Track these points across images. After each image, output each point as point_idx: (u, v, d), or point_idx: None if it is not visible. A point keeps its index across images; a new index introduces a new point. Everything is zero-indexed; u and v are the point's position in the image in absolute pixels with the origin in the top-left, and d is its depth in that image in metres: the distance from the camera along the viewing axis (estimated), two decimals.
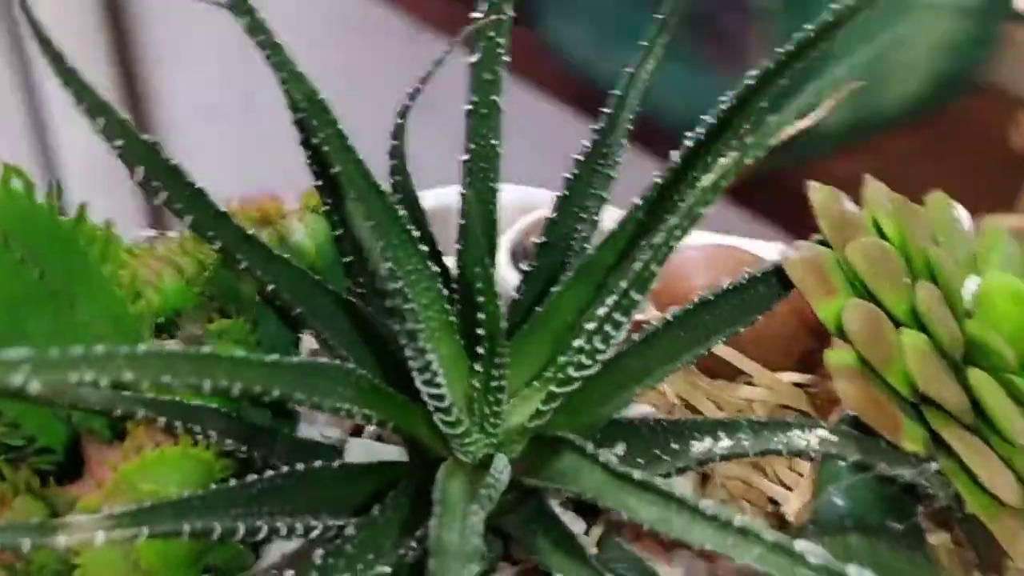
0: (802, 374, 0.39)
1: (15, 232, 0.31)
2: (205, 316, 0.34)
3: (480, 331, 0.32)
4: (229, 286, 0.35)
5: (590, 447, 0.31)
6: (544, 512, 0.33)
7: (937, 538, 0.35)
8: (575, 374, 0.31)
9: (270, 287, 0.33)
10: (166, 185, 0.31)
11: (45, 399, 0.30)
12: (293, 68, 0.31)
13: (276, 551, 0.34)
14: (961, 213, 0.41)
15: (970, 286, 0.36)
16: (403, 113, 0.34)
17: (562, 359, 0.32)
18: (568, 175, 0.37)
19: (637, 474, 0.29)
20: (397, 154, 0.35)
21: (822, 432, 0.33)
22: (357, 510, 0.32)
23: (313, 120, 0.31)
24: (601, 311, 0.31)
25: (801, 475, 0.37)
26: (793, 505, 0.37)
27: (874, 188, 0.39)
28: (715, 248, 0.42)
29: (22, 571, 0.30)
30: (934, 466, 0.33)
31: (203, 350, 0.26)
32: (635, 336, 0.36)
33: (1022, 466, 0.33)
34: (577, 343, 0.31)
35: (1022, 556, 0.33)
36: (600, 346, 0.31)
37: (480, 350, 0.32)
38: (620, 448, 0.35)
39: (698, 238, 0.44)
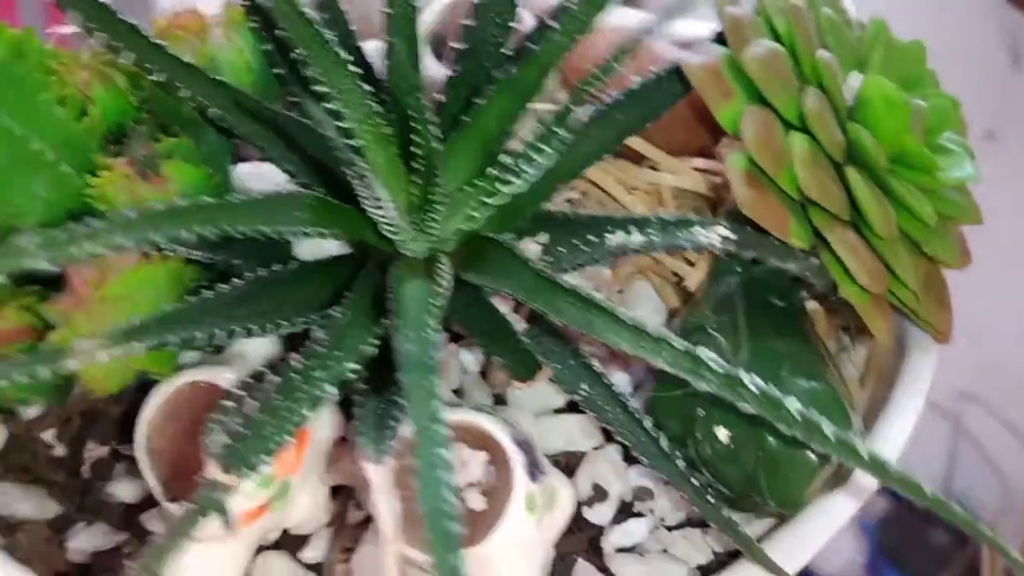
0: (704, 159, 0.44)
1: None
2: (150, 135, 0.36)
3: (415, 145, 0.35)
4: (167, 103, 0.36)
5: (519, 249, 0.35)
6: (480, 299, 0.38)
7: (814, 308, 0.41)
8: (503, 188, 0.35)
9: (211, 110, 0.35)
10: (103, 27, 0.32)
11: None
12: None
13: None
14: (848, 3, 0.44)
15: (852, 84, 0.40)
16: None
17: (492, 172, 0.36)
18: None
19: (563, 280, 0.34)
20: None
21: (722, 230, 0.38)
22: (318, 306, 0.36)
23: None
24: (523, 133, 0.34)
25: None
26: (694, 279, 0.42)
27: None
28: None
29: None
30: (815, 261, 0.38)
31: (179, 203, 0.29)
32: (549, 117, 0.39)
33: (890, 256, 0.39)
34: (505, 159, 0.35)
35: (882, 333, 0.39)
36: (525, 168, 0.34)
37: (415, 163, 0.35)
38: (543, 237, 0.40)
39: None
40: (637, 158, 0.44)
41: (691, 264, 0.43)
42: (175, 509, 0.35)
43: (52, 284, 0.34)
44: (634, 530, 0.40)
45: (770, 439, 0.35)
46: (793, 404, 0.31)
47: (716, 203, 0.43)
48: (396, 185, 0.36)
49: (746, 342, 0.38)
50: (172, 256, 0.35)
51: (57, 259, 0.25)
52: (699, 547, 0.40)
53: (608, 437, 0.41)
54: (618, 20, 0.46)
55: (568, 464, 0.41)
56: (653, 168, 0.43)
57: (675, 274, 0.43)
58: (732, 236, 0.38)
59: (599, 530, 0.40)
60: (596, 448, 0.41)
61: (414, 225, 0.36)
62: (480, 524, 0.35)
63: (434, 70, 0.44)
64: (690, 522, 0.41)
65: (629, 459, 0.41)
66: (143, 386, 0.36)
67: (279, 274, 0.36)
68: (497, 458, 0.37)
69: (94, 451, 0.40)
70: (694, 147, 0.43)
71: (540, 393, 0.41)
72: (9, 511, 0.39)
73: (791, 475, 0.35)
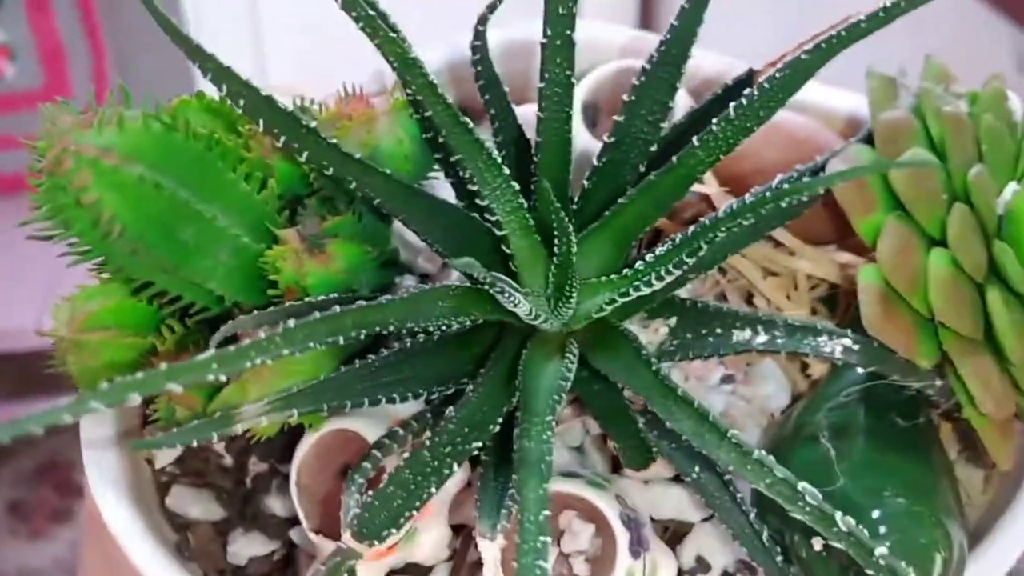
0: (839, 252, 0.44)
1: (160, 163, 0.36)
2: (318, 211, 0.39)
3: (556, 237, 0.37)
4: (335, 184, 0.40)
5: (645, 348, 0.38)
6: (606, 383, 0.41)
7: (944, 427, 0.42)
8: (636, 293, 0.37)
9: (372, 197, 0.39)
10: (283, 129, 0.36)
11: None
12: (386, 35, 0.34)
13: None
14: (1015, 103, 0.43)
15: (1006, 196, 0.40)
16: (483, 20, 0.37)
17: (628, 273, 0.38)
18: (635, 80, 0.40)
19: (681, 389, 0.36)
20: (484, 67, 0.39)
21: (846, 341, 0.39)
22: (457, 376, 0.39)
23: (406, 76, 0.35)
24: (661, 251, 0.36)
25: None
26: (818, 368, 0.44)
27: (932, 73, 0.42)
28: (787, 135, 0.45)
29: (200, 410, 0.39)
30: (939, 382, 0.39)
31: (333, 312, 0.33)
32: (690, 230, 0.41)
33: (1022, 380, 0.39)
34: (641, 266, 0.37)
35: (1002, 459, 0.40)
36: (655, 283, 0.36)
37: (554, 253, 0.38)
38: (673, 320, 0.42)
39: None
40: (776, 242, 0.45)
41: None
42: (316, 539, 0.40)
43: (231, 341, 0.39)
44: None
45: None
46: (880, 550, 0.33)
47: (849, 294, 0.44)
48: (535, 271, 0.39)
49: (858, 451, 0.39)
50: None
51: (231, 372, 0.30)
52: None
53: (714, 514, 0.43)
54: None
55: (676, 532, 0.43)
56: (791, 254, 0.44)
57: (804, 364, 0.44)
58: (855, 348, 0.39)
59: None
60: (704, 520, 0.43)
61: (548, 309, 0.39)
62: None
63: (585, 140, 0.46)
64: None
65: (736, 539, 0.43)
66: None
67: (422, 344, 0.39)
68: (604, 531, 0.40)
69: (256, 465, 0.46)
70: (830, 237, 0.44)
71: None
72: (183, 511, 0.45)
73: None
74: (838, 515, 0.32)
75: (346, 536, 0.34)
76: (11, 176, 1.49)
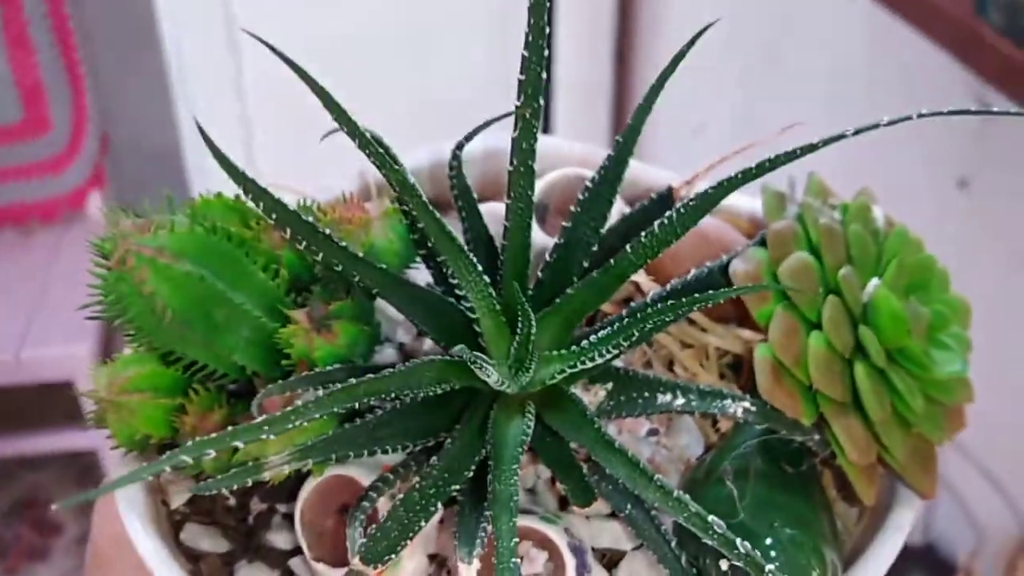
0: (746, 330, 0.55)
1: (201, 258, 0.45)
2: (322, 297, 0.49)
3: (518, 319, 0.47)
4: (337, 275, 0.49)
5: (589, 410, 0.47)
6: (555, 436, 0.50)
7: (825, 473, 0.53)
8: (581, 367, 0.47)
9: (370, 286, 0.48)
10: (289, 226, 0.46)
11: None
12: (386, 160, 0.44)
13: None
14: (878, 213, 0.55)
15: (869, 290, 0.51)
16: (460, 146, 0.47)
17: (576, 349, 0.47)
18: (580, 195, 0.50)
19: (617, 442, 0.46)
20: (458, 179, 0.49)
21: (746, 404, 0.49)
22: (437, 430, 0.49)
23: (402, 194, 0.44)
24: (602, 334, 0.46)
25: None
26: (725, 424, 0.54)
27: (813, 189, 0.53)
28: (700, 234, 0.55)
29: (226, 460, 0.47)
30: (817, 436, 0.50)
31: (350, 383, 0.42)
32: (624, 314, 0.51)
33: (883, 434, 0.50)
34: (586, 345, 0.46)
35: (867, 497, 0.50)
36: (598, 359, 0.46)
37: (518, 330, 0.47)
38: (609, 385, 0.52)
39: None
40: (691, 321, 0.55)
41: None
42: (319, 567, 0.49)
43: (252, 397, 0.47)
44: None
45: None
46: (769, 567, 0.43)
47: (750, 362, 0.54)
48: (500, 346, 0.48)
49: (754, 491, 0.49)
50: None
51: (278, 432, 0.39)
52: None
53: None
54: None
55: (611, 559, 0.53)
56: (703, 330, 0.55)
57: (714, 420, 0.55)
58: (752, 409, 0.49)
59: None
60: (635, 548, 0.53)
61: (510, 377, 0.49)
62: None
63: (538, 237, 0.56)
64: None
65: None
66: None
67: (409, 405, 0.49)
68: (555, 558, 0.49)
69: (257, 505, 0.54)
70: (733, 316, 0.55)
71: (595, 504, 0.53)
72: (195, 544, 0.53)
73: None
74: (738, 541, 0.42)
75: (355, 561, 0.43)
76: None
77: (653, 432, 0.55)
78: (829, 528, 0.50)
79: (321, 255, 0.46)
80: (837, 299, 0.50)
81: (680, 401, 0.50)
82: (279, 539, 0.53)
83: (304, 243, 0.46)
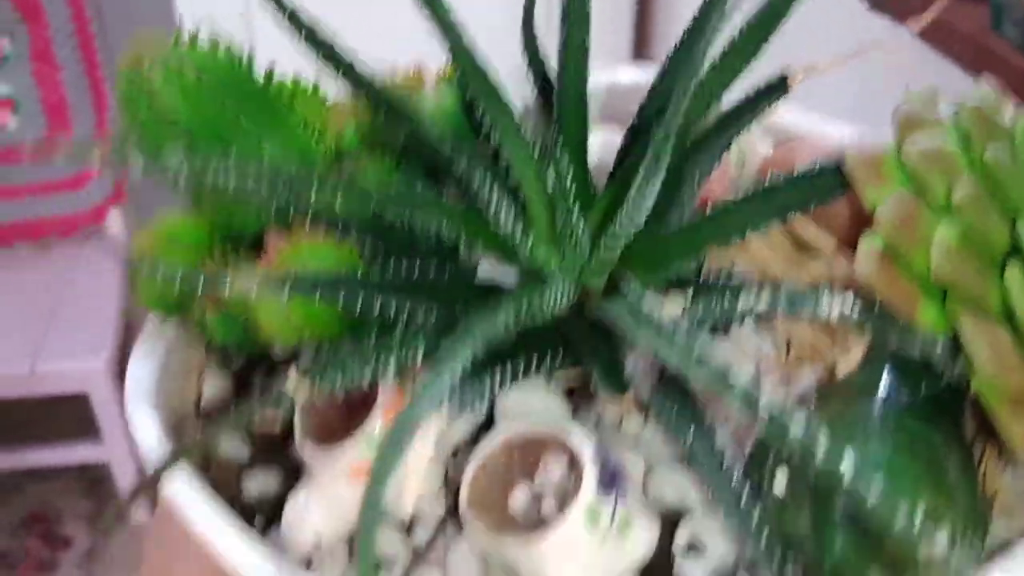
0: None
1: (220, 86, 0.42)
2: (362, 158, 0.44)
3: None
4: (387, 138, 0.44)
5: (635, 293, 0.38)
6: (604, 336, 0.41)
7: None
8: (620, 230, 0.38)
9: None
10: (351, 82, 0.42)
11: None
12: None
13: None
14: None
15: None
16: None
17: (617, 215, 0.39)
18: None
19: (663, 319, 0.36)
20: (529, 42, 0.43)
21: (845, 304, 0.38)
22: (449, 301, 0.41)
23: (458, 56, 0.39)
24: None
25: None
26: (844, 367, 0.42)
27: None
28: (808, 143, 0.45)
29: (225, 312, 0.42)
30: (940, 343, 0.37)
31: (336, 179, 0.36)
32: (711, 208, 0.42)
33: None
34: (624, 204, 0.38)
35: (1016, 439, 0.36)
36: (633, 210, 0.37)
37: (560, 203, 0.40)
38: (689, 292, 0.42)
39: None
40: (797, 243, 0.45)
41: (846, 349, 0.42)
42: (306, 443, 0.42)
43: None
44: None
45: (831, 502, 0.34)
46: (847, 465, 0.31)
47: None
48: (540, 217, 0.41)
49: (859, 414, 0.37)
50: (349, 244, 0.42)
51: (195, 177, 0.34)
52: None
53: None
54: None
55: (674, 519, 0.41)
56: (807, 248, 0.44)
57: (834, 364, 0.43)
58: (853, 311, 0.37)
59: None
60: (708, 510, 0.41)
61: (556, 252, 0.41)
62: (549, 527, 0.38)
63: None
64: None
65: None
66: None
67: (432, 280, 0.42)
68: (577, 471, 0.39)
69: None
70: (847, 235, 0.43)
71: (661, 444, 0.42)
72: (212, 447, 0.47)
73: (845, 531, 0.33)
74: (799, 425, 0.31)
75: (291, 373, 0.36)
76: (8, 227, 1.53)
77: None
78: (962, 482, 0.36)
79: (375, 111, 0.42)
80: (974, 179, 0.38)
81: (765, 302, 0.39)
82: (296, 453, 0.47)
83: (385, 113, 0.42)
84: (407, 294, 0.41)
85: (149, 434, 0.44)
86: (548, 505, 0.38)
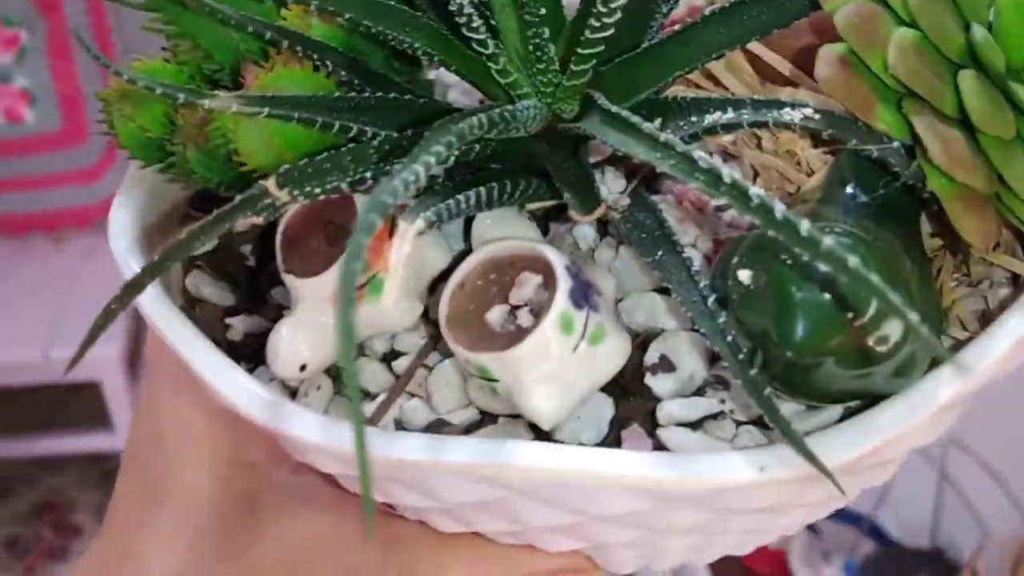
0: None
1: None
2: None
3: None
4: None
5: (603, 100, 0.39)
6: (576, 157, 0.42)
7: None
8: (591, 36, 0.39)
9: None
10: None
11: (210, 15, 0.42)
12: None
13: None
14: None
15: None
16: None
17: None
18: None
19: (623, 114, 0.37)
20: None
21: (807, 110, 0.39)
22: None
23: None
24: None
25: None
26: (808, 187, 0.43)
27: None
28: None
29: (206, 147, 0.43)
30: (897, 143, 0.38)
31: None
32: (678, 27, 0.42)
33: (999, 159, 0.37)
34: (594, 9, 0.39)
35: (972, 235, 0.37)
36: (602, 9, 0.38)
37: (530, 23, 0.40)
38: (657, 121, 0.43)
39: None
40: (783, 83, 0.45)
41: (810, 175, 0.43)
42: (287, 277, 0.43)
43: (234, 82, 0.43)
44: (694, 405, 0.40)
45: (790, 277, 0.35)
46: (803, 225, 0.31)
47: None
48: (511, 37, 0.41)
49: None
50: (325, 72, 0.42)
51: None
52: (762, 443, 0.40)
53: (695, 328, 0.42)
54: None
55: (646, 339, 0.42)
56: (792, 86, 0.45)
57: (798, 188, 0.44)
58: (814, 117, 0.38)
59: (659, 401, 0.41)
60: (678, 330, 0.42)
61: (527, 74, 0.41)
62: (524, 337, 0.39)
63: None
64: (761, 424, 0.40)
65: (715, 358, 0.42)
66: None
67: (409, 102, 0.42)
68: (551, 285, 0.40)
69: (272, 266, 0.49)
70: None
71: (633, 272, 0.43)
72: (196, 291, 0.49)
73: (805, 317, 0.34)
74: (753, 189, 0.31)
75: (270, 180, 0.36)
76: (24, 218, 1.58)
77: (718, 208, 0.45)
78: (920, 287, 0.37)
79: None
80: None
81: (730, 115, 0.40)
82: (282, 296, 0.48)
83: None
84: (384, 116, 0.42)
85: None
86: (524, 318, 0.40)
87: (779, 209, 0.31)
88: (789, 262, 0.35)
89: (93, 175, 1.59)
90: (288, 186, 0.36)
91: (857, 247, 0.35)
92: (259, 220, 0.40)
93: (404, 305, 0.43)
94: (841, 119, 0.38)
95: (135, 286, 0.36)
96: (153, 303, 0.41)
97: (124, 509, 0.54)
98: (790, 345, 0.35)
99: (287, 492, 0.51)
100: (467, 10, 0.39)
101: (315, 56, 0.42)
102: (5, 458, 1.57)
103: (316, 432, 0.37)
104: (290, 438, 0.38)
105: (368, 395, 0.44)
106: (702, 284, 0.39)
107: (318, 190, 0.37)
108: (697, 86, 0.47)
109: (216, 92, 0.39)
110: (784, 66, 0.45)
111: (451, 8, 0.39)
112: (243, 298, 0.49)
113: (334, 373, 0.44)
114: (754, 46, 0.44)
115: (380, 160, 0.38)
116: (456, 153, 0.36)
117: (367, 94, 0.42)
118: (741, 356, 0.37)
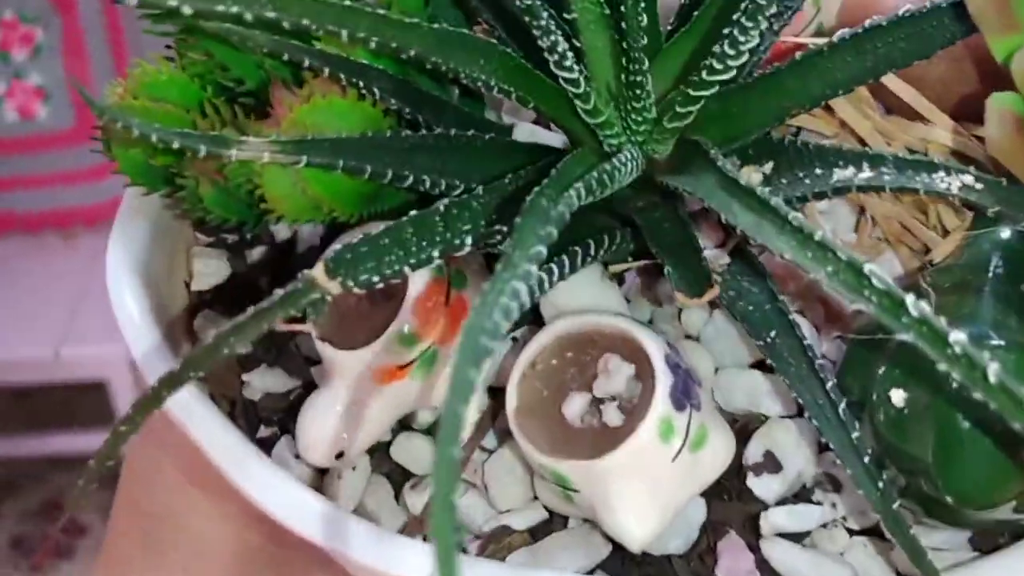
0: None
1: None
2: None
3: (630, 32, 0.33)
4: None
5: (716, 152, 0.32)
6: (676, 214, 0.35)
7: None
8: (708, 78, 0.32)
9: None
10: None
11: (236, 40, 0.34)
12: None
13: None
14: None
15: None
16: None
17: (702, 63, 0.32)
18: None
19: (743, 180, 0.30)
20: None
21: (967, 178, 0.32)
22: (496, 174, 0.34)
23: None
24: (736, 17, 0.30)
25: None
26: (942, 250, 0.36)
27: None
28: None
29: (223, 185, 0.36)
30: None
31: (348, 2, 0.29)
32: (798, 55, 0.35)
33: None
34: (715, 48, 0.31)
35: None
36: (728, 51, 0.31)
37: (628, 50, 0.33)
38: (768, 166, 0.36)
39: None
40: (909, 115, 0.38)
41: (944, 234, 0.36)
42: (320, 345, 0.36)
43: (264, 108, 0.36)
44: (804, 515, 0.34)
45: (957, 412, 0.28)
46: (992, 367, 0.25)
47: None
48: (602, 64, 0.34)
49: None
50: (370, 99, 0.35)
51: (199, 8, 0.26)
52: (878, 561, 0.34)
53: (802, 411, 0.36)
54: None
55: (746, 427, 0.36)
56: (922, 121, 0.38)
57: (926, 247, 0.37)
58: (977, 187, 0.31)
59: (762, 506, 0.35)
60: (783, 417, 0.36)
61: (615, 110, 0.34)
62: (611, 441, 0.32)
63: None
64: (879, 533, 0.35)
65: (824, 447, 0.35)
66: None
67: (471, 139, 0.35)
68: (645, 377, 0.33)
69: None
70: (974, 111, 0.37)
71: (730, 341, 0.37)
72: (206, 335, 0.42)
73: (974, 463, 0.28)
74: (909, 298, 0.25)
75: (318, 267, 0.29)
76: (36, 215, 1.56)
77: None
78: None
79: None
80: None
81: (866, 174, 0.33)
82: (307, 345, 0.41)
83: None
84: (447, 158, 0.34)
85: (135, 321, 0.38)
86: (611, 413, 0.33)
87: (954, 338, 0.24)
88: (955, 386, 0.28)
89: (106, 173, 1.54)
90: (340, 274, 0.29)
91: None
92: (306, 328, 0.33)
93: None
94: (1011, 192, 0.31)
95: (151, 400, 0.29)
96: (186, 406, 0.35)
97: (125, 548, 0.49)
98: (954, 493, 0.28)
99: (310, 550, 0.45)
100: (553, 36, 0.31)
101: (359, 82, 0.34)
102: (14, 456, 1.55)
103: (383, 558, 0.31)
104: (353, 562, 0.32)
105: (409, 476, 0.37)
106: (829, 383, 0.32)
107: (376, 277, 0.29)
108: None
109: (244, 137, 0.32)
110: (914, 97, 0.37)
111: (534, 32, 0.31)
112: (262, 345, 0.42)
113: (372, 452, 0.38)
114: (899, 87, 0.37)
115: (448, 231, 0.31)
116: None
117: (423, 133, 0.34)
118: (881, 485, 0.30)
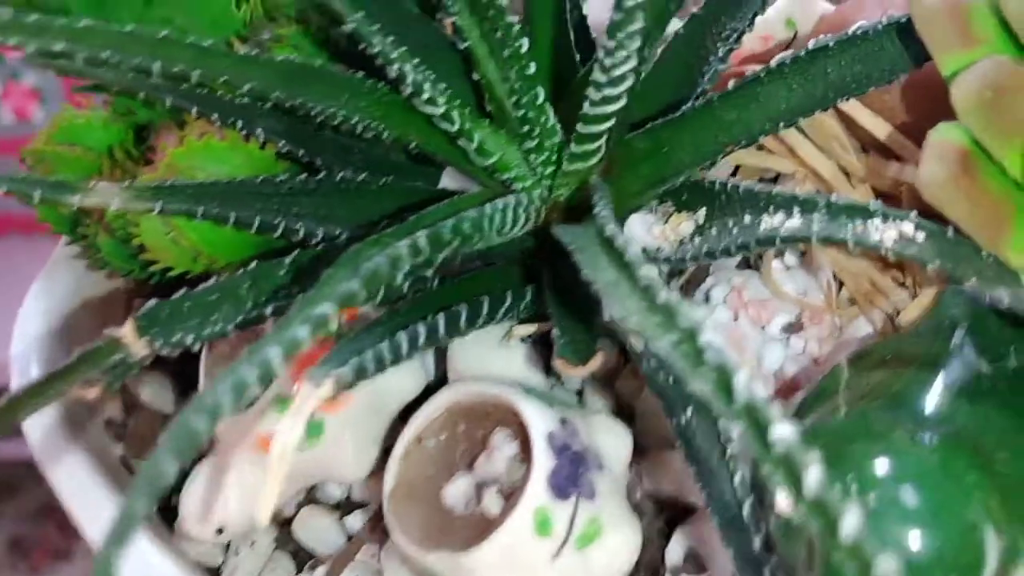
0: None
1: None
2: (284, 24, 0.34)
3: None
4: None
5: (603, 202, 0.27)
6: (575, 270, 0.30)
7: None
8: (590, 111, 0.27)
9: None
10: None
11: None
12: None
13: None
14: None
15: None
16: None
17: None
18: None
19: (619, 238, 0.25)
20: None
21: (906, 227, 0.26)
22: (373, 220, 0.31)
23: None
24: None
25: None
26: (909, 315, 0.30)
27: None
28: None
29: (109, 233, 0.34)
30: None
31: (164, 34, 0.26)
32: (731, 84, 0.30)
33: None
34: (593, 76, 0.27)
35: None
36: (599, 77, 0.26)
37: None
38: (702, 214, 0.31)
39: None
40: (888, 153, 0.32)
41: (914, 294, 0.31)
42: None
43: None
44: None
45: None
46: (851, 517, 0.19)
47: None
48: (497, 101, 0.30)
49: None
50: (259, 142, 0.32)
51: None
52: None
53: None
54: None
55: (672, 518, 0.31)
56: (898, 161, 0.32)
57: (897, 309, 0.31)
58: (917, 238, 0.25)
59: None
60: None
61: (520, 153, 0.30)
62: (486, 533, 0.28)
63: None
64: None
65: None
66: None
67: (362, 183, 0.32)
68: (529, 460, 0.28)
69: None
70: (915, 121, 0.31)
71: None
72: (136, 391, 0.39)
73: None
74: (740, 376, 0.20)
75: (127, 325, 0.26)
76: (31, 217, 1.57)
77: (790, 328, 0.32)
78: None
79: None
80: None
81: (795, 222, 0.27)
82: None
83: None
84: (332, 207, 0.31)
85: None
86: (491, 500, 0.29)
87: (778, 434, 0.19)
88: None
89: None
90: (151, 333, 0.26)
91: (944, 466, 0.22)
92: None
93: (354, 452, 0.33)
94: (956, 246, 0.25)
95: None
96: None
97: None
98: None
99: None
100: (399, 65, 0.27)
101: (238, 123, 0.32)
102: (11, 458, 1.59)
103: None
104: None
105: (311, 558, 0.34)
106: (737, 477, 0.27)
107: (191, 336, 0.26)
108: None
109: (93, 181, 0.29)
110: (883, 131, 0.32)
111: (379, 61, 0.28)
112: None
113: (279, 521, 0.35)
114: (849, 104, 0.31)
115: (294, 282, 0.28)
116: (376, 295, 0.25)
117: (304, 177, 0.31)
118: None
